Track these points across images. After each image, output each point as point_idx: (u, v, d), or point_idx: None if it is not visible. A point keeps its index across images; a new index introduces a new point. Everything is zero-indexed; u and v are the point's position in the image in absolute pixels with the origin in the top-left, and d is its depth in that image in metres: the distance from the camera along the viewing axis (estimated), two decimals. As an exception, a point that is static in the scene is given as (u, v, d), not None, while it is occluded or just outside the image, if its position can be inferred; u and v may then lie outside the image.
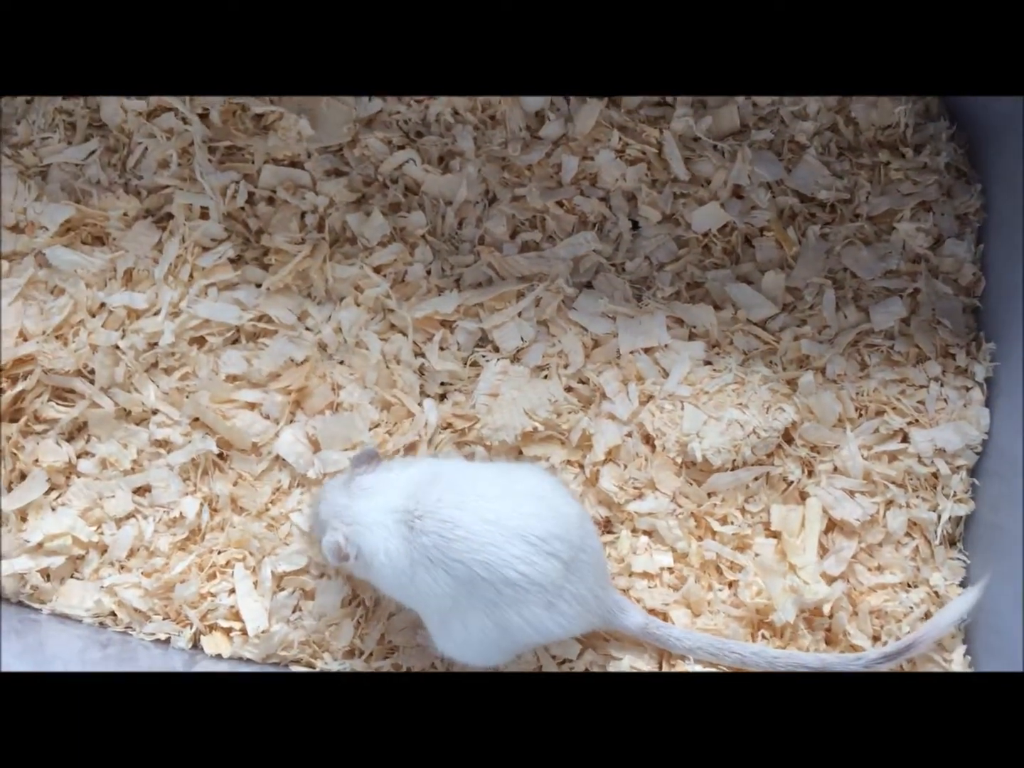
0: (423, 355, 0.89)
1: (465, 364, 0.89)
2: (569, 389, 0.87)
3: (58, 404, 0.87)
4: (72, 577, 0.84)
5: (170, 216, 0.92)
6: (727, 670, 0.77)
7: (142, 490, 0.86)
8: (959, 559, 0.81)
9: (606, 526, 0.84)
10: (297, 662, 0.82)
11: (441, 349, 0.89)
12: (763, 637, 0.78)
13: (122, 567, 0.84)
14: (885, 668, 0.76)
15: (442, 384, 0.89)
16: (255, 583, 0.83)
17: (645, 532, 0.83)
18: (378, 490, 0.74)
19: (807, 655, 0.76)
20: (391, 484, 0.74)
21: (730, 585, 0.81)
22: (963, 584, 0.80)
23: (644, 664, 0.78)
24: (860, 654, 0.76)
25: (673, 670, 0.76)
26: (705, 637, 0.77)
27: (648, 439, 0.85)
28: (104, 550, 0.84)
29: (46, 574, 0.83)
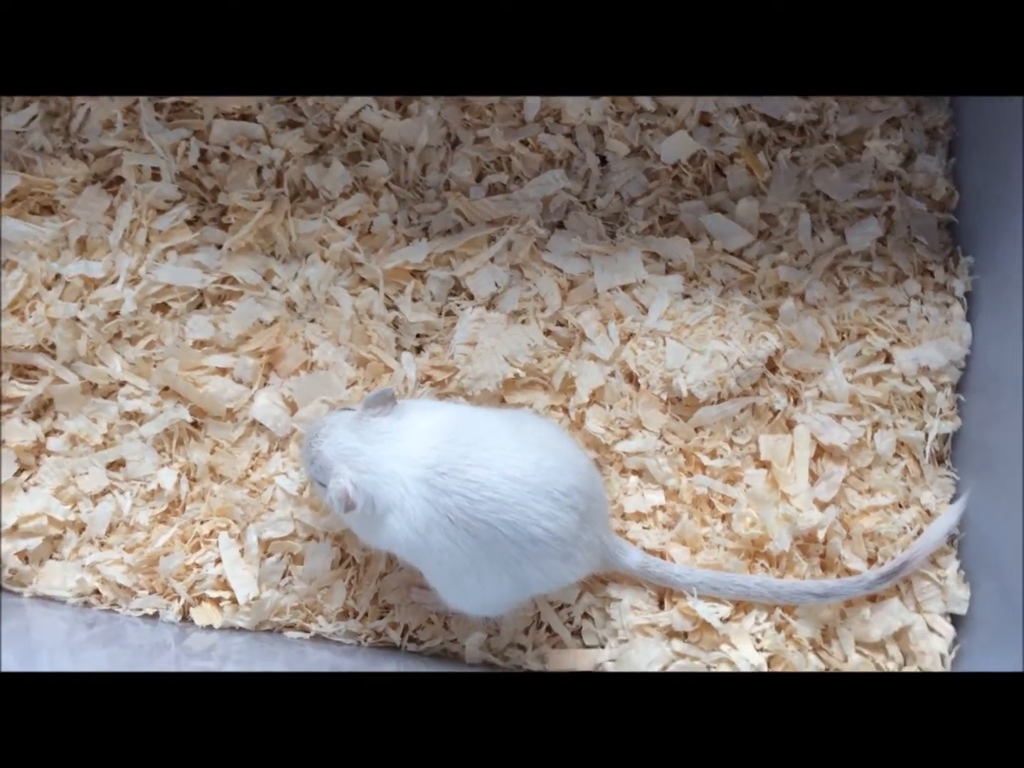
0: (396, 308, 0.87)
1: (440, 314, 0.87)
2: (548, 333, 0.85)
3: (20, 382, 0.84)
4: (51, 558, 0.82)
5: (120, 179, 0.88)
6: (728, 605, 0.76)
7: (116, 464, 0.84)
8: (948, 476, 0.81)
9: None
10: (291, 627, 0.81)
11: (414, 300, 0.87)
12: (762, 567, 0.78)
13: (102, 544, 0.82)
14: (885, 587, 0.76)
15: (418, 336, 0.87)
16: (241, 551, 0.81)
17: (635, 472, 0.82)
18: (396, 437, 0.69)
19: (810, 582, 0.76)
20: (409, 432, 0.69)
21: (723, 519, 0.80)
22: (953, 501, 0.80)
23: (643, 602, 0.78)
24: (860, 576, 0.76)
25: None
26: (706, 572, 0.76)
27: (632, 378, 0.84)
28: (82, 528, 0.82)
29: (24, 556, 0.81)
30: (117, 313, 0.85)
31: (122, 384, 0.85)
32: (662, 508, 0.81)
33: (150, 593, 0.80)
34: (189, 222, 0.88)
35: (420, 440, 0.69)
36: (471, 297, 0.87)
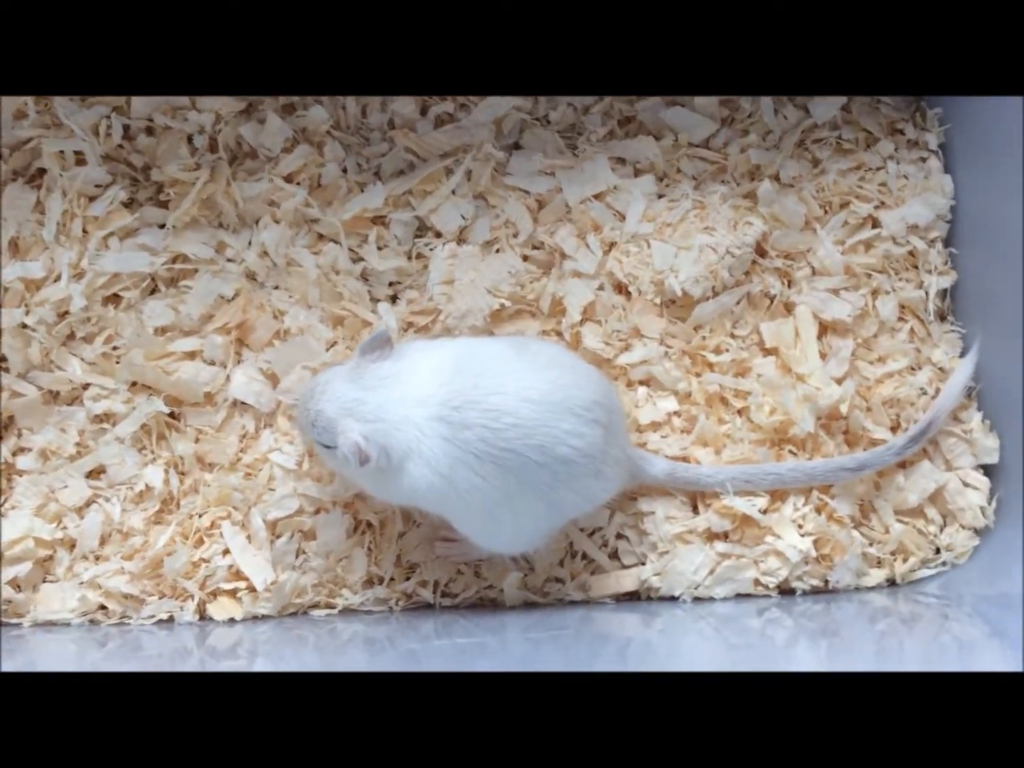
0: (362, 259, 0.82)
1: (410, 258, 0.82)
2: (526, 258, 0.82)
3: (-27, 403, 0.77)
4: (45, 581, 0.76)
5: (43, 171, 0.81)
6: (763, 496, 0.74)
7: (96, 472, 0.78)
8: (954, 331, 0.80)
9: (601, 386, 0.79)
10: (316, 606, 0.76)
11: (380, 248, 0.82)
12: (790, 453, 0.76)
13: (98, 557, 0.76)
14: (914, 450, 0.75)
15: (391, 284, 0.82)
16: (248, 537, 0.76)
17: (641, 383, 0.79)
18: (400, 379, 0.65)
19: (843, 458, 0.74)
20: (413, 372, 0.66)
21: (740, 413, 0.78)
22: (963, 355, 0.79)
23: (677, 510, 0.75)
24: (889, 444, 0.74)
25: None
26: (736, 468, 0.74)
27: (621, 288, 0.81)
28: (72, 545, 0.76)
29: (16, 585, 0.75)
30: (67, 312, 0.79)
31: (86, 387, 0.79)
32: (676, 414, 0.78)
33: (160, 598, 0.75)
34: (125, 204, 0.81)
35: (427, 378, 0.66)
36: (439, 235, 0.83)
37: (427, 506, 0.70)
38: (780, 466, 0.74)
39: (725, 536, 0.75)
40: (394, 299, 0.82)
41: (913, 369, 0.79)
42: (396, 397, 0.65)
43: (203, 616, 0.75)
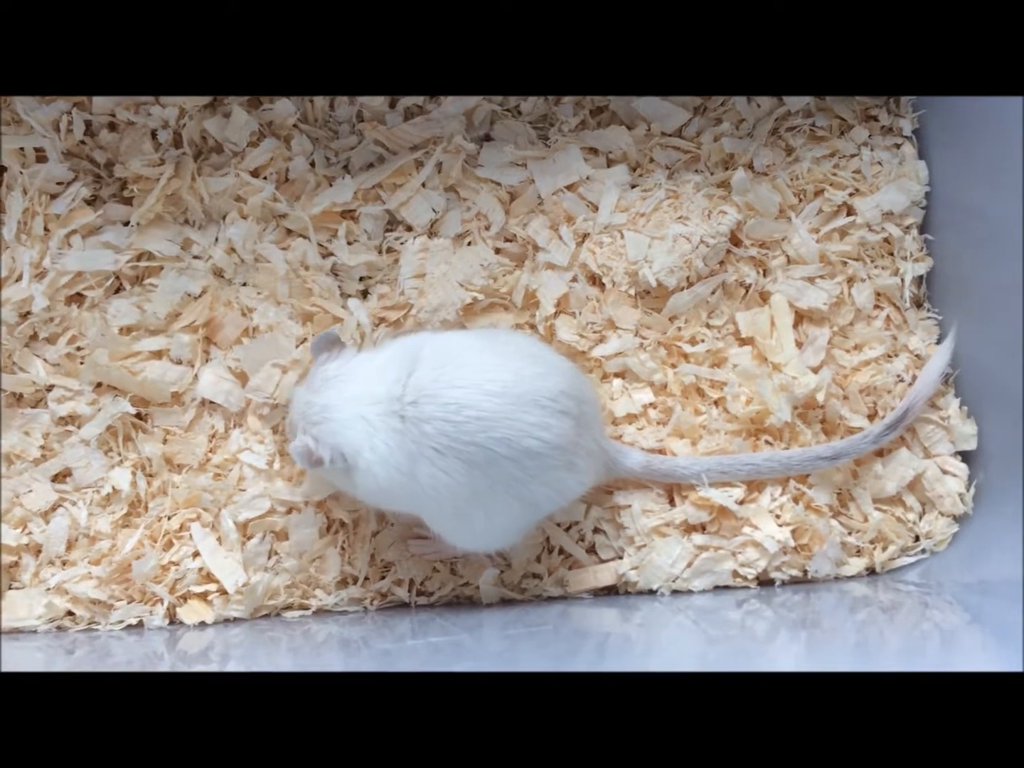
0: (332, 254, 0.81)
1: (380, 252, 0.81)
2: (498, 251, 0.80)
3: (-66, 407, 0.76)
4: (11, 588, 0.74)
5: (2, 169, 0.80)
6: (740, 487, 0.74)
7: (61, 475, 0.76)
8: (931, 318, 0.79)
9: (576, 378, 0.78)
10: (289, 608, 0.75)
11: (349, 243, 0.81)
12: (767, 443, 0.75)
13: (64, 562, 0.74)
14: (891, 438, 0.74)
15: (361, 280, 0.81)
16: (219, 539, 0.75)
17: (616, 375, 0.78)
18: (348, 377, 0.65)
19: (819, 447, 0.73)
20: (363, 368, 0.66)
21: (717, 403, 0.77)
22: (940, 342, 0.79)
23: (653, 503, 0.74)
24: (865, 432, 0.74)
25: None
26: (712, 458, 0.73)
27: (595, 279, 0.79)
28: (38, 550, 0.75)
29: (-21, 593, 0.73)
30: (28, 313, 0.77)
31: (49, 388, 0.77)
32: (652, 406, 0.77)
33: (129, 602, 0.73)
34: (88, 201, 0.80)
35: (378, 375, 0.65)
36: (409, 229, 0.81)
37: (401, 506, 0.69)
38: (756, 456, 0.73)
39: (702, 528, 0.74)
40: (365, 294, 0.81)
41: (890, 356, 0.78)
42: (346, 396, 0.65)
43: (173, 620, 0.74)
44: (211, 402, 0.78)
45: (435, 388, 0.63)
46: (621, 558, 0.75)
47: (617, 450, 0.72)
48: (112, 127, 0.81)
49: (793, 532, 0.73)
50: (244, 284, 0.80)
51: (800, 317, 0.79)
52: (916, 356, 0.78)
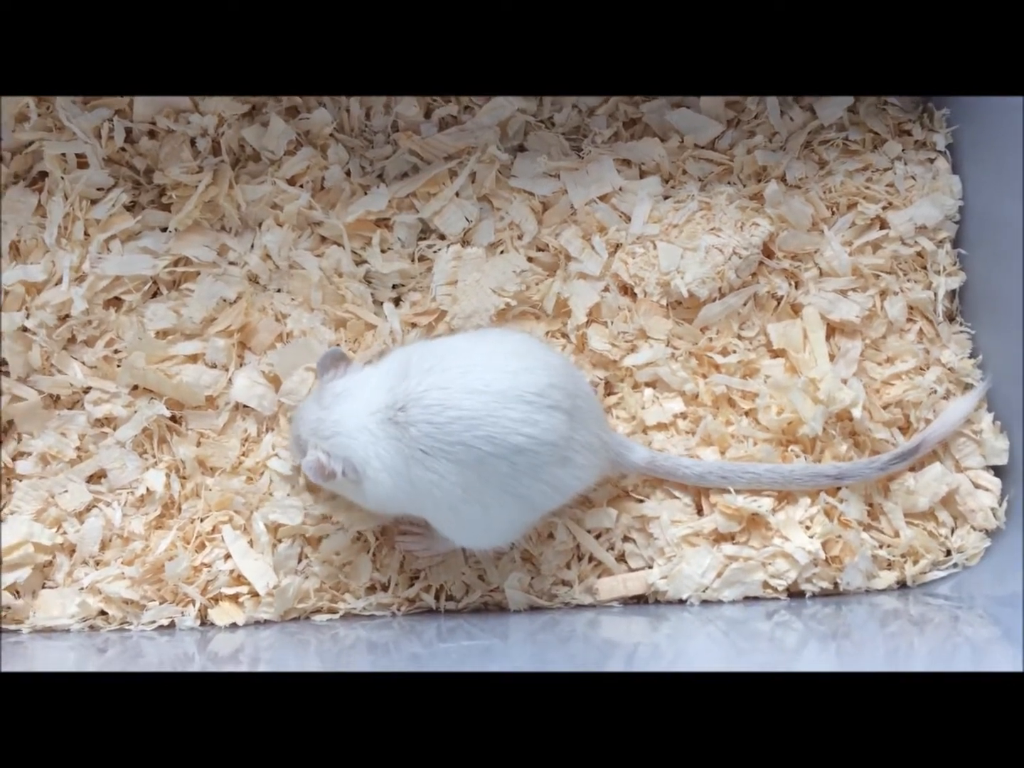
0: (365, 261, 0.81)
1: (413, 260, 0.82)
2: (531, 260, 0.81)
3: (-28, 407, 0.77)
4: (44, 587, 0.75)
5: (44, 174, 0.81)
6: (770, 497, 0.73)
7: (96, 476, 0.77)
8: (963, 331, 0.79)
9: (607, 388, 0.79)
10: (318, 611, 0.75)
11: (383, 251, 0.82)
12: (795, 455, 0.75)
13: (98, 562, 0.75)
14: (900, 468, 0.74)
15: (394, 287, 0.82)
16: (250, 541, 0.76)
17: (648, 384, 0.78)
18: (353, 393, 0.67)
19: (824, 465, 0.73)
20: (366, 383, 0.68)
21: (747, 414, 0.77)
22: (972, 355, 0.79)
23: (682, 513, 0.74)
24: (874, 458, 0.74)
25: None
26: (715, 462, 0.74)
27: (627, 289, 0.80)
28: (72, 550, 0.75)
29: (15, 591, 0.74)
30: (68, 316, 0.78)
31: (87, 390, 0.78)
32: (683, 416, 0.78)
33: (161, 603, 0.74)
34: (127, 207, 0.81)
35: (378, 386, 0.67)
36: (442, 237, 0.82)
37: (407, 509, 0.70)
38: (758, 466, 0.73)
39: (732, 538, 0.74)
40: (397, 302, 0.82)
41: (922, 370, 0.78)
42: (352, 409, 0.67)
43: (204, 621, 0.74)
44: (244, 406, 0.78)
45: (419, 391, 0.64)
46: (651, 567, 0.74)
47: (620, 444, 0.72)
48: (152, 135, 0.83)
49: (824, 544, 0.73)
50: (278, 290, 0.81)
51: (832, 329, 0.79)
52: (949, 370, 0.78)
